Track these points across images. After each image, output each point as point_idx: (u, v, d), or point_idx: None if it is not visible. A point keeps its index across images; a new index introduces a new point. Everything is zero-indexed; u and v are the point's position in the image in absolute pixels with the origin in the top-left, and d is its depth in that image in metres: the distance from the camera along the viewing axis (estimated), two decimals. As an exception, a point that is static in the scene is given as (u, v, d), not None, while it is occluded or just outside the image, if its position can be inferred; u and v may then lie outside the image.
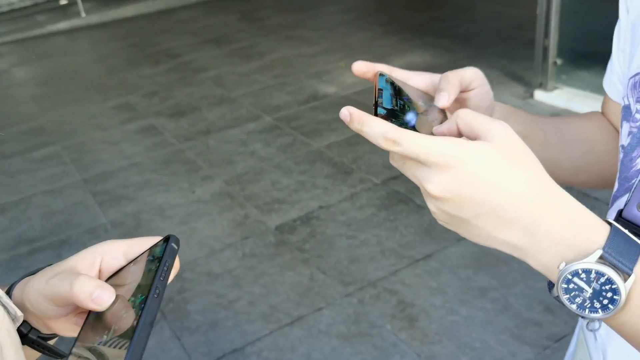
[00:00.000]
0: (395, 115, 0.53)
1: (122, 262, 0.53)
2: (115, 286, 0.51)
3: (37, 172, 3.74)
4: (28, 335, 0.57)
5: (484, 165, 0.46)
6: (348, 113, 0.50)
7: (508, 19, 5.69)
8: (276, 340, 2.24)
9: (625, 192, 0.60)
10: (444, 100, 0.58)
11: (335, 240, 2.76)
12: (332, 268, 2.57)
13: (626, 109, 0.63)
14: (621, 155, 0.63)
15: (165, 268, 0.48)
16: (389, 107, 0.54)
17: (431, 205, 0.50)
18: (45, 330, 0.58)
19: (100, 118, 4.53)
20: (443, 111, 0.61)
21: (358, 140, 3.69)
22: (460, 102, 0.65)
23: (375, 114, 0.52)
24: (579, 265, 0.46)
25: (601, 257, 0.45)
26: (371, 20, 6.39)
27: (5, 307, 0.54)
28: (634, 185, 0.56)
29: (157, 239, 0.53)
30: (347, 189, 3.14)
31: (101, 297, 0.48)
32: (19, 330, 0.57)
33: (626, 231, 0.48)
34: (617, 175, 0.63)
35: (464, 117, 0.50)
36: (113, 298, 0.49)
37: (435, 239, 2.69)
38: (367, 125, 0.49)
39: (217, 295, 2.50)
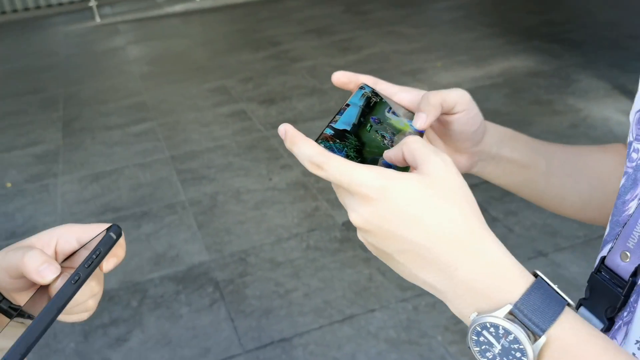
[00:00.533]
0: (347, 136, 0.51)
1: (75, 246, 0.55)
2: (66, 268, 0.53)
3: (133, 146, 3.98)
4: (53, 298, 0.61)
5: (407, 200, 0.44)
6: (284, 130, 0.49)
7: (624, 27, 5.28)
8: (325, 335, 2.24)
9: (615, 237, 0.54)
10: (421, 121, 0.55)
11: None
12: (392, 271, 2.52)
13: (629, 145, 0.56)
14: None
15: (94, 256, 0.48)
16: (344, 126, 0.52)
17: (359, 235, 0.48)
18: (15, 302, 0.61)
19: (197, 99, 4.73)
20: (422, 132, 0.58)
21: (442, 143, 3.59)
22: (444, 125, 0.61)
23: (321, 133, 0.50)
24: (487, 319, 0.42)
25: (511, 313, 0.41)
26: (478, 20, 6.17)
27: None
28: (619, 233, 0.51)
29: (105, 226, 0.54)
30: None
31: (46, 271, 0.49)
32: None
33: (554, 286, 0.44)
34: (610, 217, 0.57)
35: (410, 145, 0.48)
36: (57, 274, 0.50)
37: (505, 254, 2.57)
38: (296, 145, 0.47)
39: (276, 283, 2.54)
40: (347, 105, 0.55)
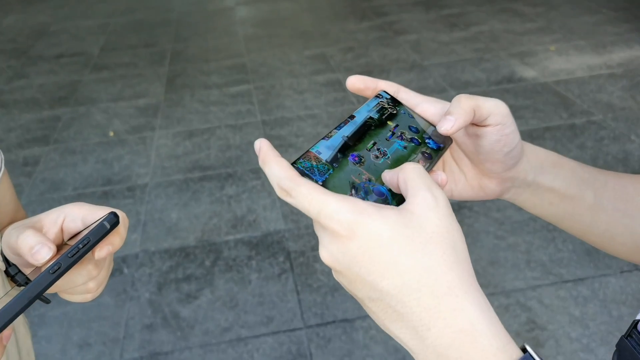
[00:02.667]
0: (340, 155, 0.45)
1: (80, 226, 0.54)
2: (69, 247, 0.52)
3: (228, 107, 4.06)
4: (15, 277, 0.61)
5: (379, 242, 0.37)
6: (259, 146, 0.43)
7: None
8: (388, 322, 2.19)
9: None
10: (447, 125, 0.46)
11: (481, 237, 2.58)
12: (468, 265, 2.42)
13: None
14: None
15: (80, 245, 0.47)
16: (339, 143, 0.45)
17: (333, 272, 0.42)
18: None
19: (295, 65, 4.73)
20: (443, 149, 0.50)
21: (542, 135, 3.36)
22: (472, 138, 0.52)
23: (307, 151, 0.44)
24: None
25: None
26: (603, 2, 5.67)
27: None
28: None
29: (108, 210, 0.52)
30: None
31: (39, 252, 0.49)
32: (8, 272, 0.61)
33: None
34: None
35: (406, 173, 0.41)
36: (50, 255, 0.49)
37: (595, 263, 2.38)
38: (267, 165, 0.42)
39: (347, 261, 2.51)
40: (352, 117, 0.48)
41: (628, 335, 0.46)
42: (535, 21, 5.29)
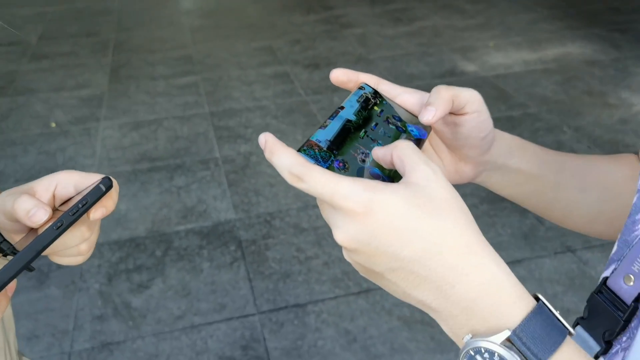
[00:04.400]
0: (337, 143, 0.48)
1: (72, 192, 0.56)
2: (61, 212, 0.54)
3: (175, 98, 4.03)
4: (0, 245, 0.63)
5: (396, 214, 0.40)
6: (264, 140, 0.45)
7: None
8: (339, 306, 2.26)
9: (621, 258, 0.51)
10: (429, 115, 0.49)
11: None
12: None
13: None
14: None
15: (80, 205, 0.50)
16: (334, 132, 0.49)
17: (345, 255, 0.45)
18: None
19: (243, 57, 4.73)
20: (425, 136, 0.55)
21: (483, 125, 3.51)
22: (451, 127, 0.56)
23: (307, 140, 0.47)
24: (482, 344, 0.39)
25: (508, 340, 0.39)
26: (538, 0, 5.93)
27: None
28: (625, 254, 0.48)
29: (101, 177, 0.55)
30: (455, 174, 3.02)
31: (36, 215, 0.51)
32: None
33: (556, 313, 0.41)
34: (619, 236, 0.54)
35: (399, 150, 0.44)
36: (46, 217, 0.51)
37: (531, 246, 2.52)
38: (275, 155, 0.44)
39: (298, 248, 2.56)
40: (341, 107, 0.52)
41: (598, 291, 0.52)
42: (476, 18, 5.48)
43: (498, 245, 2.52)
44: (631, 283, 0.47)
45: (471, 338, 0.40)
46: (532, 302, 0.41)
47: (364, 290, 2.32)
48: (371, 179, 0.46)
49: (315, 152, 0.46)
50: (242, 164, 3.20)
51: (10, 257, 0.62)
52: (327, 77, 3.45)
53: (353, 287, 2.34)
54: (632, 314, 0.47)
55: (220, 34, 5.30)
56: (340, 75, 0.55)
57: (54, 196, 0.56)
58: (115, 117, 3.78)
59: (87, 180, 0.56)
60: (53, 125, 3.70)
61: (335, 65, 4.47)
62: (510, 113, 3.68)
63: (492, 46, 4.77)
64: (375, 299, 2.28)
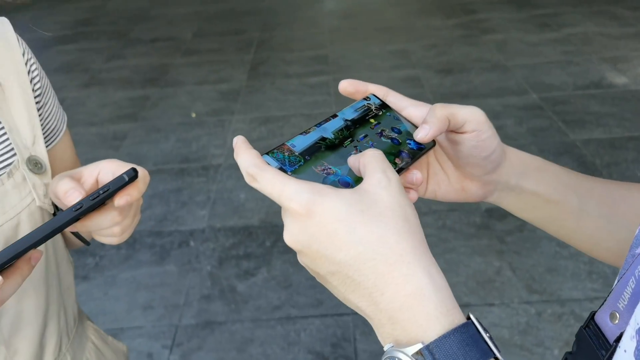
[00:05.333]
0: (314, 150, 0.48)
1: (111, 178, 0.62)
2: None
3: (305, 96, 4.16)
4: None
5: (334, 217, 0.40)
6: (235, 141, 0.47)
7: None
8: (435, 317, 2.20)
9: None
10: (422, 133, 0.50)
11: (542, 243, 2.52)
12: (525, 270, 2.37)
13: None
14: None
15: (101, 191, 0.55)
16: (315, 138, 0.49)
17: (297, 255, 0.45)
18: None
19: (376, 59, 4.76)
20: (423, 149, 0.54)
21: (625, 144, 3.21)
22: (452, 144, 0.55)
23: (282, 143, 0.48)
24: (397, 354, 0.39)
25: (420, 353, 0.38)
26: None
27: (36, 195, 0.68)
28: (611, 290, 0.44)
29: (136, 168, 0.60)
30: (583, 194, 2.80)
31: (72, 195, 0.57)
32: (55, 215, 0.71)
33: (485, 335, 0.39)
34: (620, 270, 0.48)
35: (365, 157, 0.45)
36: (79, 198, 0.57)
37: None
38: (238, 156, 0.45)
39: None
40: (334, 115, 0.52)
41: (586, 326, 0.48)
42: (635, 26, 5.01)
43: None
44: (616, 321, 0.43)
45: (392, 347, 0.40)
46: (460, 320, 0.39)
47: (463, 305, 2.23)
48: (342, 187, 0.46)
49: (284, 155, 0.47)
50: (359, 165, 3.22)
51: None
52: (459, 83, 3.41)
53: (453, 301, 2.26)
54: (613, 354, 0.42)
55: (357, 35, 5.38)
56: (348, 87, 0.56)
57: (97, 181, 0.62)
58: (248, 111, 4.00)
59: (123, 169, 0.61)
60: (193, 115, 4.00)
61: (470, 72, 4.34)
62: (660, 132, 3.32)
63: (650, 57, 4.33)
64: (475, 315, 2.18)
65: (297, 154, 0.48)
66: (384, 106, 0.56)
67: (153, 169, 3.33)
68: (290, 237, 0.43)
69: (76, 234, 0.74)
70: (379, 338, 0.43)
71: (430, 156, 0.59)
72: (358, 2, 6.55)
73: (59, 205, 0.66)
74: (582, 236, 0.59)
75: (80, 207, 0.53)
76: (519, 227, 2.61)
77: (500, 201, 0.60)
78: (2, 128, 0.65)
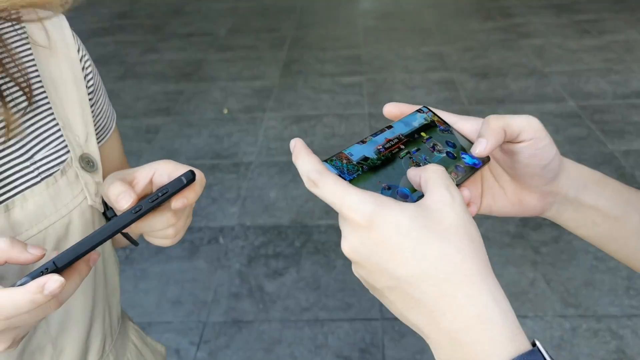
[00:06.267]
0: (370, 160, 0.47)
1: (166, 180, 0.61)
2: None
3: (338, 96, 4.14)
4: (111, 219, 0.70)
5: (397, 231, 0.39)
6: (293, 144, 0.46)
7: None
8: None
9: None
10: (480, 147, 0.48)
11: (579, 256, 2.45)
12: (560, 282, 2.31)
13: None
14: None
15: (159, 194, 0.54)
16: (372, 149, 0.48)
17: (352, 268, 0.44)
18: None
19: (410, 61, 4.71)
20: (478, 164, 0.52)
21: (667, 156, 3.11)
22: (509, 155, 0.53)
23: (340, 152, 0.47)
24: None
25: None
26: None
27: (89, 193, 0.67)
28: None
29: (189, 169, 0.58)
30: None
31: (123, 200, 0.56)
32: (106, 215, 0.70)
33: (548, 358, 0.37)
34: None
35: (427, 172, 0.44)
36: (130, 202, 0.56)
37: None
38: (298, 160, 0.45)
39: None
40: (390, 126, 0.51)
41: None
42: (679, 34, 4.87)
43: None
44: None
45: None
46: (525, 347, 0.38)
47: (496, 316, 2.19)
48: (400, 198, 0.46)
49: (342, 163, 0.46)
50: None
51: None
52: (495, 88, 3.35)
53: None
54: None
55: (392, 36, 5.33)
56: (393, 109, 0.55)
57: (151, 182, 0.61)
58: (280, 109, 3.99)
59: (179, 171, 0.60)
60: (225, 111, 4.01)
61: (506, 77, 4.27)
62: None
63: (695, 68, 4.20)
64: (507, 327, 2.14)
65: (354, 163, 0.47)
66: (438, 119, 0.55)
67: (185, 164, 3.34)
68: (349, 247, 0.42)
69: (125, 234, 0.73)
70: (437, 357, 0.41)
71: (485, 170, 0.58)
72: (393, 2, 6.50)
73: (110, 205, 0.65)
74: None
75: (140, 210, 0.53)
76: (554, 238, 2.55)
77: (558, 216, 0.57)
78: (57, 124, 0.65)
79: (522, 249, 2.52)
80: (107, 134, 0.75)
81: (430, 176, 0.43)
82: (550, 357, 0.38)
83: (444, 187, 0.42)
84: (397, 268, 0.40)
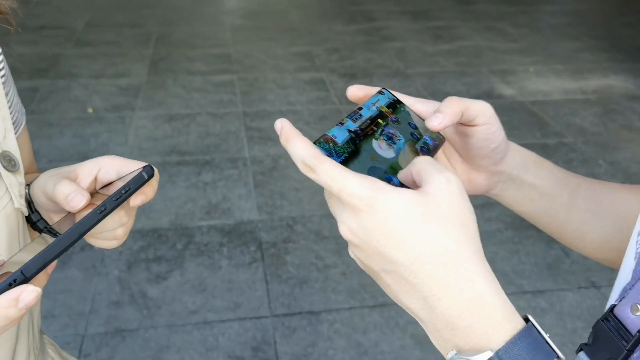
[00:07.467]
0: (351, 141, 0.48)
1: (113, 177, 0.57)
2: (102, 196, 0.55)
3: (210, 95, 4.07)
4: (37, 223, 0.64)
5: (396, 215, 0.41)
6: (280, 126, 0.46)
7: None
8: (353, 317, 2.24)
9: (630, 287, 0.50)
10: (436, 121, 0.50)
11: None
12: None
13: None
14: None
15: (123, 191, 0.51)
16: (351, 130, 0.49)
17: (349, 249, 0.45)
18: (52, 223, 0.65)
19: (280, 60, 4.76)
20: (438, 145, 0.55)
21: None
22: (462, 137, 0.57)
23: (323, 134, 0.48)
24: None
25: None
26: (584, 30, 5.84)
27: (11, 196, 0.61)
28: (635, 283, 0.47)
29: (143, 164, 0.55)
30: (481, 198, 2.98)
31: (74, 200, 0.52)
32: (30, 218, 0.64)
33: (545, 336, 0.40)
34: (634, 266, 0.52)
35: (417, 165, 0.45)
36: (84, 202, 0.52)
37: (554, 278, 2.47)
38: (290, 143, 0.45)
39: (317, 256, 2.56)
40: (360, 108, 0.53)
41: (604, 318, 0.51)
42: (518, 42, 5.43)
43: (520, 274, 2.48)
44: (638, 313, 0.46)
45: (455, 354, 0.40)
46: (521, 324, 0.40)
47: (379, 305, 2.30)
48: (385, 180, 0.47)
49: (330, 146, 0.47)
50: (270, 166, 3.21)
51: (45, 235, 0.63)
52: (363, 88, 3.42)
53: (369, 300, 2.32)
54: (636, 344, 0.46)
55: (260, 35, 5.35)
56: (357, 92, 0.56)
57: (95, 179, 0.57)
58: (151, 108, 3.84)
59: (129, 166, 0.57)
60: (90, 110, 3.76)
61: (372, 77, 4.48)
62: (545, 141, 3.63)
63: (533, 72, 4.71)
64: (390, 314, 2.26)
65: (340, 145, 0.47)
66: (396, 100, 0.57)
67: (48, 166, 3.08)
68: (348, 231, 0.43)
69: (50, 230, 0.67)
70: (434, 342, 0.43)
71: (438, 150, 0.61)
72: (260, 2, 6.52)
73: (49, 208, 0.60)
74: (569, 229, 0.63)
75: (104, 209, 0.49)
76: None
77: (501, 194, 0.62)
78: None
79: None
80: (17, 130, 0.68)
81: (422, 167, 0.45)
82: (540, 327, 0.41)
83: (438, 173, 0.43)
84: (394, 252, 0.41)
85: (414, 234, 0.41)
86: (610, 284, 2.42)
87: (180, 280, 2.38)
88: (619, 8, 6.70)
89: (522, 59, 4.97)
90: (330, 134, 0.48)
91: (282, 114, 3.81)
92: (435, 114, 0.51)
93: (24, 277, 0.42)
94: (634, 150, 3.55)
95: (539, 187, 0.61)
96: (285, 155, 3.30)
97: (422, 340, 2.14)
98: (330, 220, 2.78)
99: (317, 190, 3.01)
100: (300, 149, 0.44)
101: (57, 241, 0.46)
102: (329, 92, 4.20)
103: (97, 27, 5.36)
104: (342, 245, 2.62)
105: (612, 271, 2.52)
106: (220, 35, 5.34)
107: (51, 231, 0.64)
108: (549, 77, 4.63)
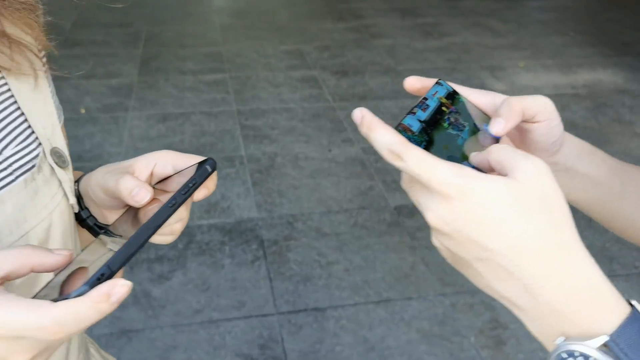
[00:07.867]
0: (424, 131, 0.49)
1: (170, 172, 0.57)
2: (159, 191, 0.55)
3: (203, 94, 4.05)
4: (86, 220, 0.64)
5: (491, 203, 0.40)
6: (360, 115, 0.45)
7: None
8: (358, 313, 2.25)
9: None
10: (498, 127, 0.50)
11: (449, 238, 2.67)
12: (436, 264, 2.50)
13: None
14: None
15: (190, 185, 0.50)
16: (422, 120, 0.49)
17: (434, 238, 0.45)
18: (103, 220, 0.64)
19: (272, 59, 4.75)
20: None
21: (510, 145, 3.49)
22: (521, 132, 0.57)
23: (399, 123, 0.47)
24: (577, 347, 0.39)
25: (605, 345, 0.38)
26: (571, 25, 5.91)
27: (65, 193, 0.60)
28: None
29: (201, 158, 0.55)
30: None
31: (139, 194, 0.52)
32: (79, 215, 0.63)
33: None
34: None
35: (495, 153, 0.44)
36: (149, 197, 0.52)
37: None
38: (374, 132, 0.44)
39: (319, 253, 2.56)
40: (425, 99, 0.53)
41: None
42: (506, 37, 5.47)
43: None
44: None
45: (564, 341, 0.40)
46: (627, 308, 0.40)
47: (383, 300, 2.31)
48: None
49: (408, 135, 0.47)
50: (267, 164, 3.21)
51: (102, 237, 0.62)
52: (355, 85, 3.49)
53: (373, 296, 2.33)
54: None
55: (250, 34, 5.33)
56: (415, 83, 0.55)
57: (151, 174, 0.57)
58: (144, 108, 3.81)
59: (185, 160, 0.56)
60: (82, 111, 3.73)
61: (364, 74, 4.48)
62: (538, 135, 3.66)
63: (522, 67, 4.75)
64: (395, 309, 2.27)
65: (417, 134, 0.48)
66: (454, 92, 0.56)
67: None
68: (437, 219, 0.42)
69: (107, 231, 0.66)
70: (533, 330, 0.43)
71: None
72: (247, 0, 6.49)
73: (107, 203, 0.59)
74: (621, 217, 0.64)
75: (175, 204, 0.48)
76: (427, 224, 2.75)
77: None
78: (22, 114, 0.57)
79: (400, 236, 2.67)
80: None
81: (502, 154, 0.44)
82: None
83: (524, 159, 0.42)
84: (489, 240, 0.40)
85: (510, 221, 0.40)
86: (609, 275, 2.46)
87: (183, 280, 2.37)
88: (603, 4, 6.78)
89: (511, 54, 5.02)
90: (405, 123, 0.48)
91: (276, 112, 3.80)
92: (496, 118, 0.51)
93: (110, 271, 0.42)
94: (625, 143, 3.60)
95: (593, 177, 0.61)
96: (282, 154, 3.30)
97: (427, 335, 2.15)
98: (329, 217, 2.79)
99: (315, 188, 3.01)
100: (386, 136, 0.44)
101: (135, 235, 0.46)
102: (322, 89, 4.20)
103: (85, 27, 5.30)
104: (343, 242, 2.63)
105: (613, 263, 2.55)
106: (210, 34, 5.31)
107: (102, 228, 0.63)
108: (538, 72, 4.67)
